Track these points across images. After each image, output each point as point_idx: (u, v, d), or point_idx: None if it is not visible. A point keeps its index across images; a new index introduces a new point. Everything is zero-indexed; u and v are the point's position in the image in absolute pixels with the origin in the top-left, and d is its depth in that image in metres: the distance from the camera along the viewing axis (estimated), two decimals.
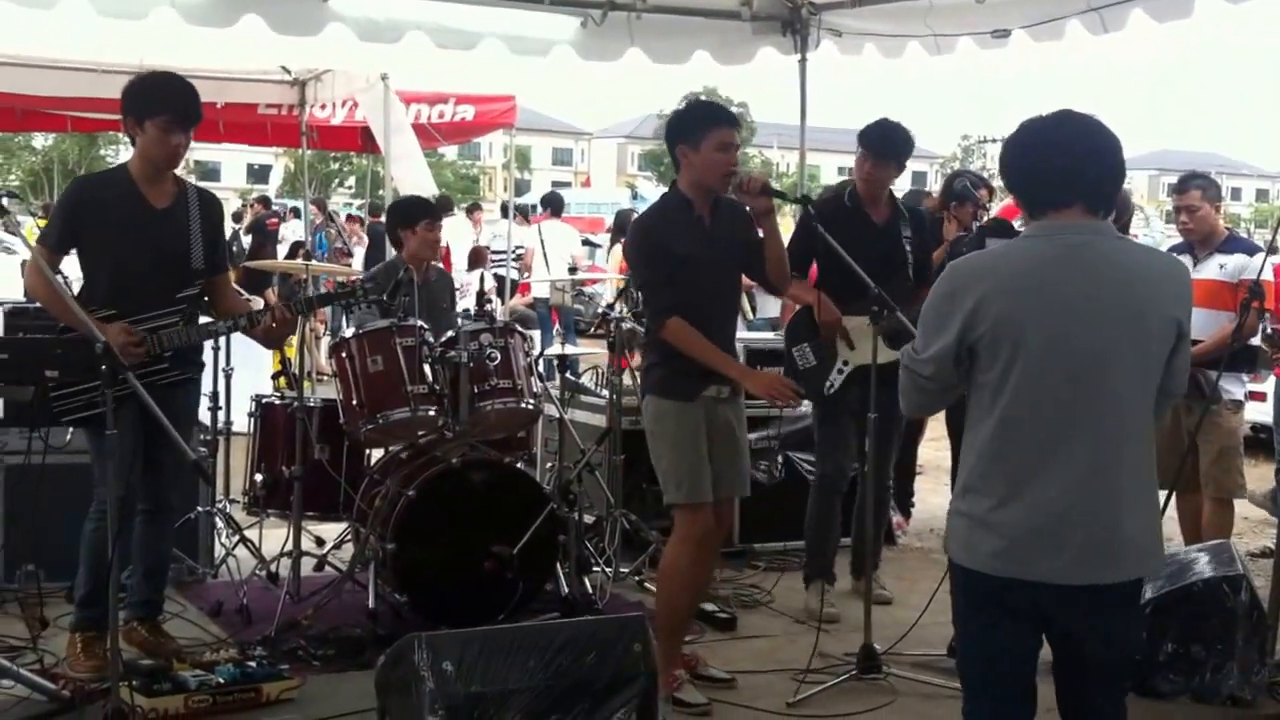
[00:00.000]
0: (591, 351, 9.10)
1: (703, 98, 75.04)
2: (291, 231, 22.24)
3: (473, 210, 20.90)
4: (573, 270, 11.32)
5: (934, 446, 9.72)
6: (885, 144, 6.47)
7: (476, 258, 16.59)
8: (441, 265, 8.10)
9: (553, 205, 16.29)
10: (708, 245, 5.34)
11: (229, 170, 62.04)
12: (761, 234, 5.48)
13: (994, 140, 68.89)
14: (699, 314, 5.34)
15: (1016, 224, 6.52)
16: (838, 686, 5.52)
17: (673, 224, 5.40)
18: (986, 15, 7.96)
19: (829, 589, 6.50)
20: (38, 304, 6.26)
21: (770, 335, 8.09)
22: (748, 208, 5.39)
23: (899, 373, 3.70)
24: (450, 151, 54.08)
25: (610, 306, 7.51)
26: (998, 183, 7.44)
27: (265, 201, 24.51)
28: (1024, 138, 3.59)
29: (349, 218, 21.71)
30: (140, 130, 5.37)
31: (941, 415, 6.93)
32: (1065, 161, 3.49)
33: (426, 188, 11.59)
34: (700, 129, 5.31)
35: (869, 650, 5.63)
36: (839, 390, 6.42)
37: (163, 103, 5.37)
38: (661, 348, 5.43)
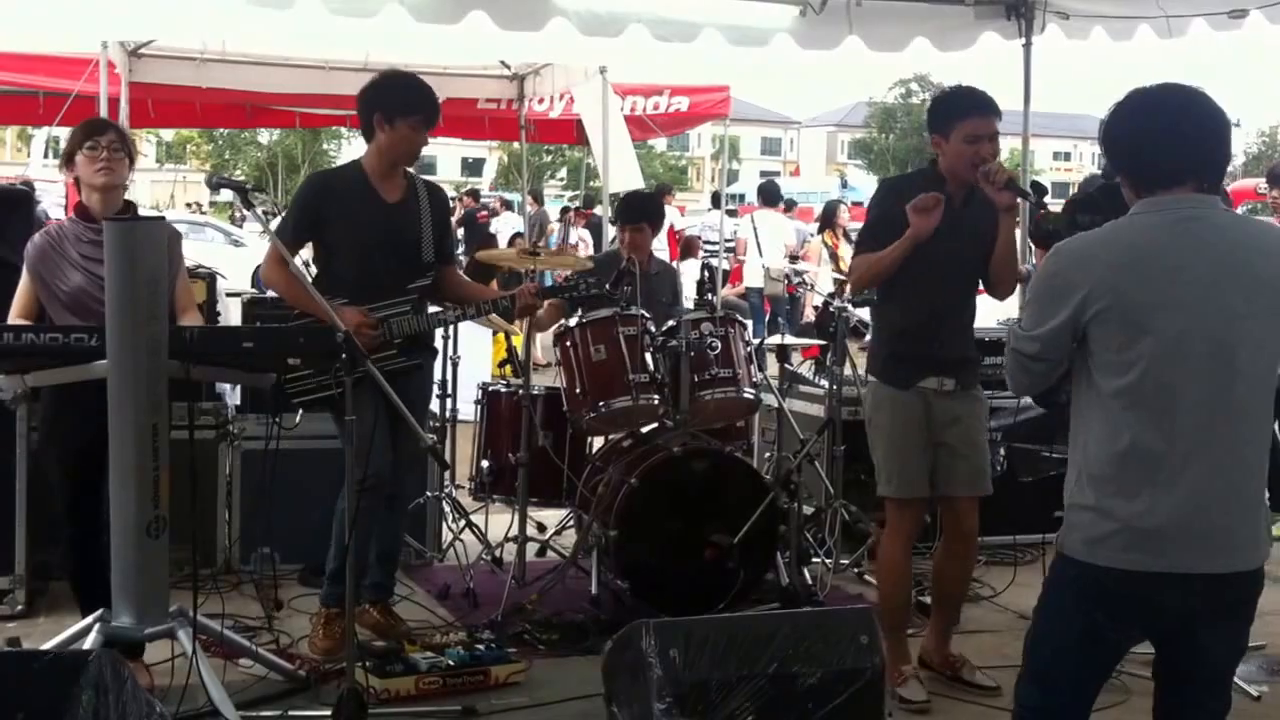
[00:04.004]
0: (814, 342, 9.04)
1: (913, 84, 72.70)
2: (505, 224, 22.58)
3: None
4: (794, 260, 11.28)
5: None
6: None
7: (688, 247, 16.63)
8: (667, 259, 8.16)
9: (766, 195, 16.22)
10: (950, 224, 5.17)
11: (444, 164, 63.24)
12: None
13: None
14: (929, 290, 5.22)
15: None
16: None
17: (918, 190, 5.26)
18: None
19: None
20: (273, 294, 6.50)
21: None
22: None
23: (1005, 353, 3.59)
24: (659, 143, 54.33)
25: (831, 297, 7.47)
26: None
27: (475, 195, 24.96)
28: (1131, 113, 3.45)
29: (577, 211, 21.95)
30: (389, 128, 5.53)
31: None
32: (1177, 139, 3.36)
33: (634, 181, 11.65)
34: (951, 119, 5.19)
35: None
36: None
37: (418, 105, 5.56)
38: (882, 326, 5.41)
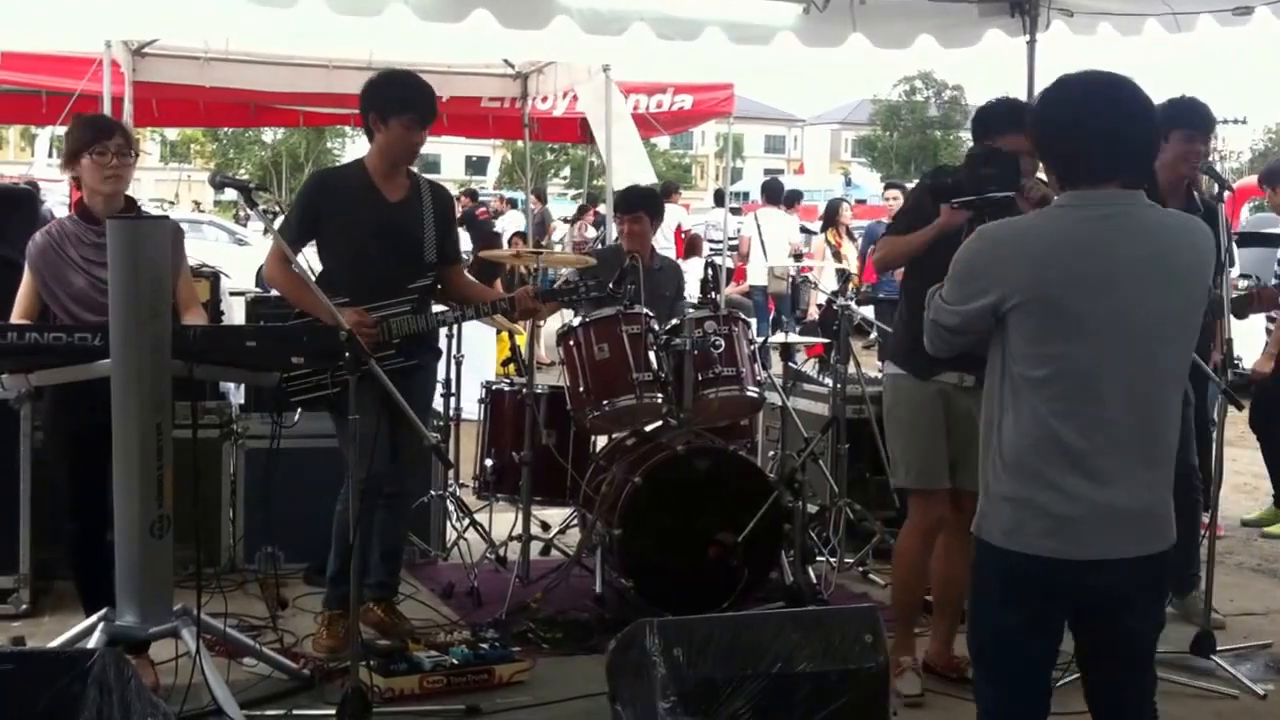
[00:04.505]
0: (818, 340, 9.03)
1: (916, 81, 72.09)
2: (509, 223, 22.59)
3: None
4: (797, 258, 11.24)
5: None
6: (1197, 115, 5.91)
7: (692, 245, 16.62)
8: (673, 255, 8.15)
9: (771, 193, 16.20)
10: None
11: (448, 162, 63.23)
12: None
13: (1228, 121, 66.54)
14: None
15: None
16: (1073, 684, 5.38)
17: None
18: None
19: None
20: (276, 293, 6.50)
21: None
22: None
23: (925, 321, 3.61)
24: (662, 141, 54.29)
25: (835, 294, 7.46)
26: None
27: (472, 195, 24.97)
28: (1065, 104, 3.41)
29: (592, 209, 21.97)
30: (384, 127, 5.52)
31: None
32: (1104, 135, 3.34)
33: (645, 178, 11.62)
34: (992, 132, 5.21)
35: None
36: None
37: (412, 103, 5.54)
38: (910, 315, 5.41)
